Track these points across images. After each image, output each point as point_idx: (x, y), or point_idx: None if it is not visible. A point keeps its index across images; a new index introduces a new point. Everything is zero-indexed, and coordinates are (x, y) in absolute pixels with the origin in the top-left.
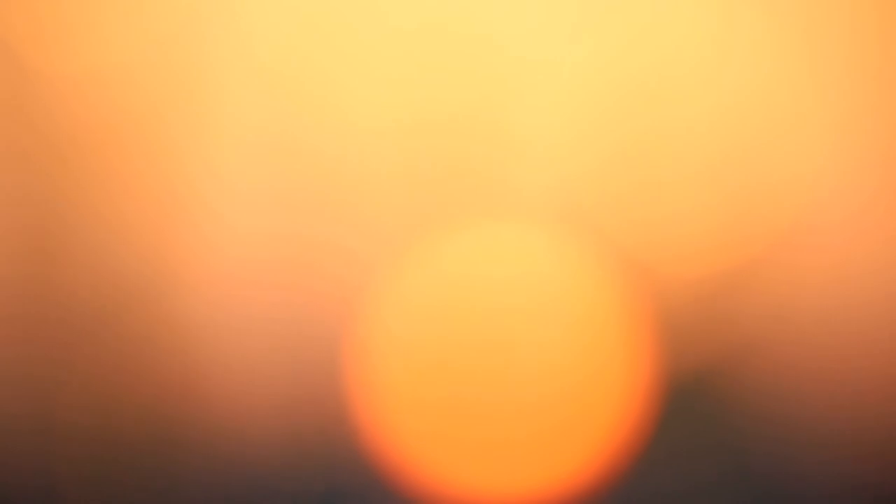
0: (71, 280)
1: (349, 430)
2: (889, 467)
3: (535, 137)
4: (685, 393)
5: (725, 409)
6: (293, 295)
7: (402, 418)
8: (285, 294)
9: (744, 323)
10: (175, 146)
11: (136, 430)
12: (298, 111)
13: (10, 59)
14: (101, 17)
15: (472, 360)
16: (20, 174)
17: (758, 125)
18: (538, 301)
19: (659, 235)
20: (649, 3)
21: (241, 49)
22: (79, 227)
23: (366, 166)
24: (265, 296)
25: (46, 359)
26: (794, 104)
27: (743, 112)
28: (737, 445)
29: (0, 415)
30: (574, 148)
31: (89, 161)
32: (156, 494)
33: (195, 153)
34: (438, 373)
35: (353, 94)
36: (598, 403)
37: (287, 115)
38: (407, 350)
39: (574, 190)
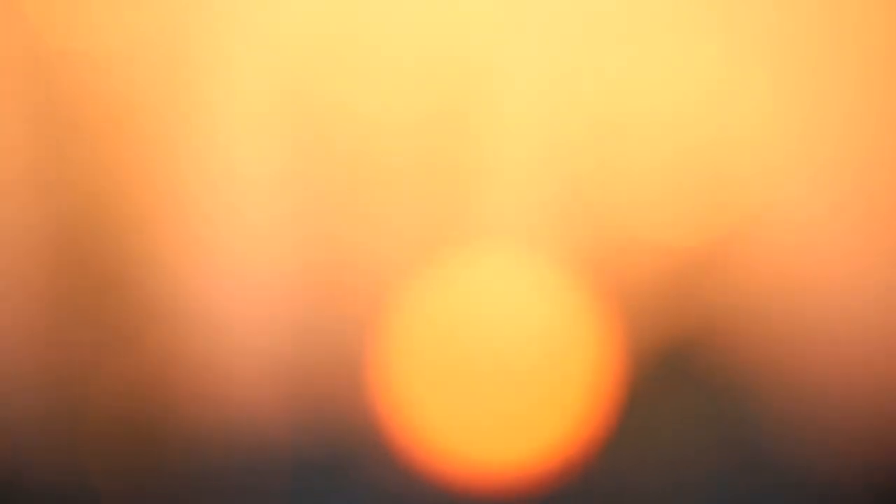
0: (96, 281)
1: (360, 418)
2: (864, 455)
3: (513, 151)
4: (666, 374)
5: (705, 388)
6: (301, 292)
7: (406, 395)
8: (296, 290)
9: (724, 308)
10: (187, 145)
11: (158, 426)
12: (307, 108)
13: (29, 42)
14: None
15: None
16: (48, 170)
17: (736, 122)
18: (524, 300)
19: (644, 231)
20: (624, 15)
21: (253, 47)
22: (99, 228)
23: (366, 164)
24: (277, 292)
25: (73, 362)
26: (780, 105)
27: (723, 110)
28: (716, 427)
29: (32, 416)
30: (556, 154)
31: (102, 158)
32: (176, 485)
33: (207, 151)
34: (436, 363)
35: (354, 94)
36: (579, 388)
37: (297, 112)
38: (405, 337)
39: (557, 195)
